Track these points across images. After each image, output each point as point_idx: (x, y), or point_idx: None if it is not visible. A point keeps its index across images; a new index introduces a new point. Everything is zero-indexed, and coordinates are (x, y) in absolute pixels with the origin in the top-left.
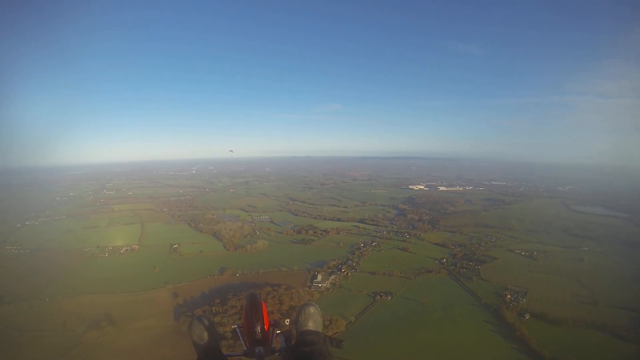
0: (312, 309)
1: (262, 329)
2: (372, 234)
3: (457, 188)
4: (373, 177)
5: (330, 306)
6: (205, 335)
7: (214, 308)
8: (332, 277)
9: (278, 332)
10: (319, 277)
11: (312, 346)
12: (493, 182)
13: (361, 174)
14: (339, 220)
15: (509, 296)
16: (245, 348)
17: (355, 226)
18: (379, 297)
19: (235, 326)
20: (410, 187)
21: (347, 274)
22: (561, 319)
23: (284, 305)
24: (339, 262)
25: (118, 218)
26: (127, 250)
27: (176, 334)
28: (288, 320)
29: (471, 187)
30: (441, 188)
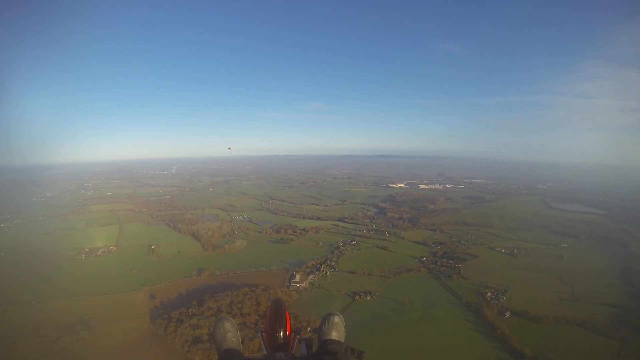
0: (336, 319)
1: (285, 334)
2: (352, 232)
3: (438, 186)
4: (353, 176)
5: (308, 306)
6: (228, 337)
7: (190, 310)
8: (311, 276)
9: (300, 339)
10: (297, 277)
11: (333, 355)
12: (474, 180)
13: (342, 173)
14: (318, 219)
15: (489, 294)
16: (266, 352)
17: (334, 225)
18: (358, 296)
19: (258, 331)
20: (390, 185)
21: (325, 273)
22: (542, 316)
23: (261, 307)
24: (318, 262)
25: (96, 219)
26: (105, 251)
27: (152, 337)
28: (309, 328)
29: (452, 185)
30: (422, 186)
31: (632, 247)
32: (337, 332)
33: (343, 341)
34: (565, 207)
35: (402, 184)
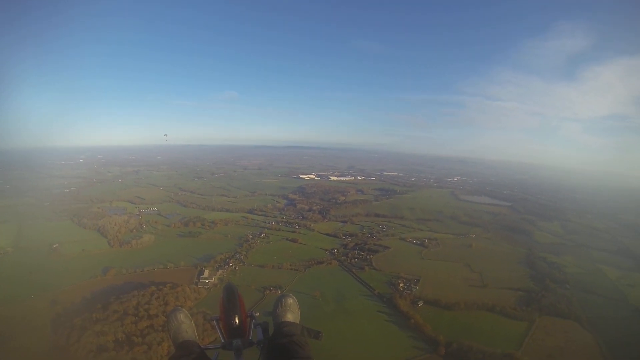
0: (290, 300)
1: (240, 320)
2: (261, 225)
3: (349, 178)
4: (264, 167)
5: (217, 303)
6: (183, 328)
7: (94, 314)
8: (220, 272)
9: (255, 323)
10: (206, 273)
11: (290, 337)
12: (385, 173)
13: (253, 163)
14: (227, 211)
15: (401, 285)
16: (222, 340)
17: (244, 217)
18: (268, 291)
19: (213, 318)
20: (301, 176)
21: (235, 268)
22: (453, 303)
23: (169, 307)
24: (227, 256)
25: None
26: (0, 254)
27: (54, 350)
28: (257, 313)
29: (363, 177)
30: (333, 178)
31: (534, 235)
32: (292, 314)
33: (298, 322)
34: (473, 200)
35: (313, 175)
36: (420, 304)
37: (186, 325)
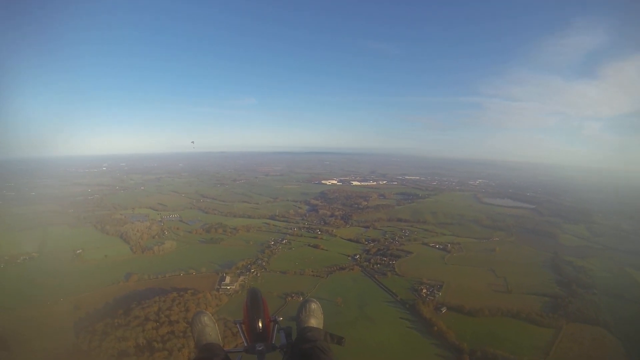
0: (313, 305)
1: (263, 324)
2: (283, 231)
3: (371, 183)
4: (286, 173)
5: (239, 310)
6: (207, 331)
7: (116, 320)
8: (241, 278)
9: (279, 328)
10: (228, 279)
11: (313, 343)
12: (407, 177)
13: (274, 170)
14: (249, 217)
15: (424, 290)
16: (246, 344)
17: (265, 223)
18: (290, 298)
19: (236, 322)
20: (323, 182)
21: (256, 274)
22: (477, 309)
23: (189, 313)
24: (248, 262)
25: (18, 222)
26: (25, 259)
27: (76, 353)
28: (281, 318)
29: (385, 182)
30: (354, 183)
31: (559, 238)
32: (315, 319)
33: (321, 328)
34: (495, 202)
35: (335, 180)
36: (444, 310)
37: (210, 328)
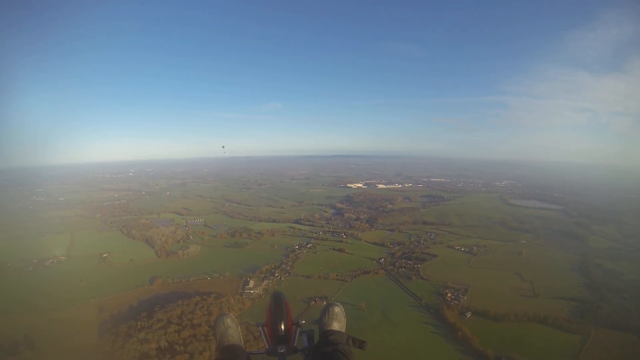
0: (336, 309)
1: (286, 327)
2: (308, 235)
3: (396, 185)
4: (311, 176)
5: (261, 314)
6: (229, 332)
7: (139, 323)
8: (265, 282)
9: (301, 331)
10: (251, 284)
11: (335, 346)
12: (432, 179)
13: (299, 173)
14: (274, 221)
15: (449, 295)
16: (267, 346)
17: (290, 227)
18: (313, 302)
19: (259, 324)
20: (348, 185)
21: (280, 278)
22: (503, 314)
23: (212, 317)
24: (273, 266)
25: (46, 227)
26: (54, 262)
27: (99, 354)
28: (304, 321)
29: (410, 184)
30: (380, 186)
31: (587, 240)
32: (338, 323)
33: (344, 331)
34: (522, 204)
35: (360, 184)
36: (469, 315)
37: (232, 330)
